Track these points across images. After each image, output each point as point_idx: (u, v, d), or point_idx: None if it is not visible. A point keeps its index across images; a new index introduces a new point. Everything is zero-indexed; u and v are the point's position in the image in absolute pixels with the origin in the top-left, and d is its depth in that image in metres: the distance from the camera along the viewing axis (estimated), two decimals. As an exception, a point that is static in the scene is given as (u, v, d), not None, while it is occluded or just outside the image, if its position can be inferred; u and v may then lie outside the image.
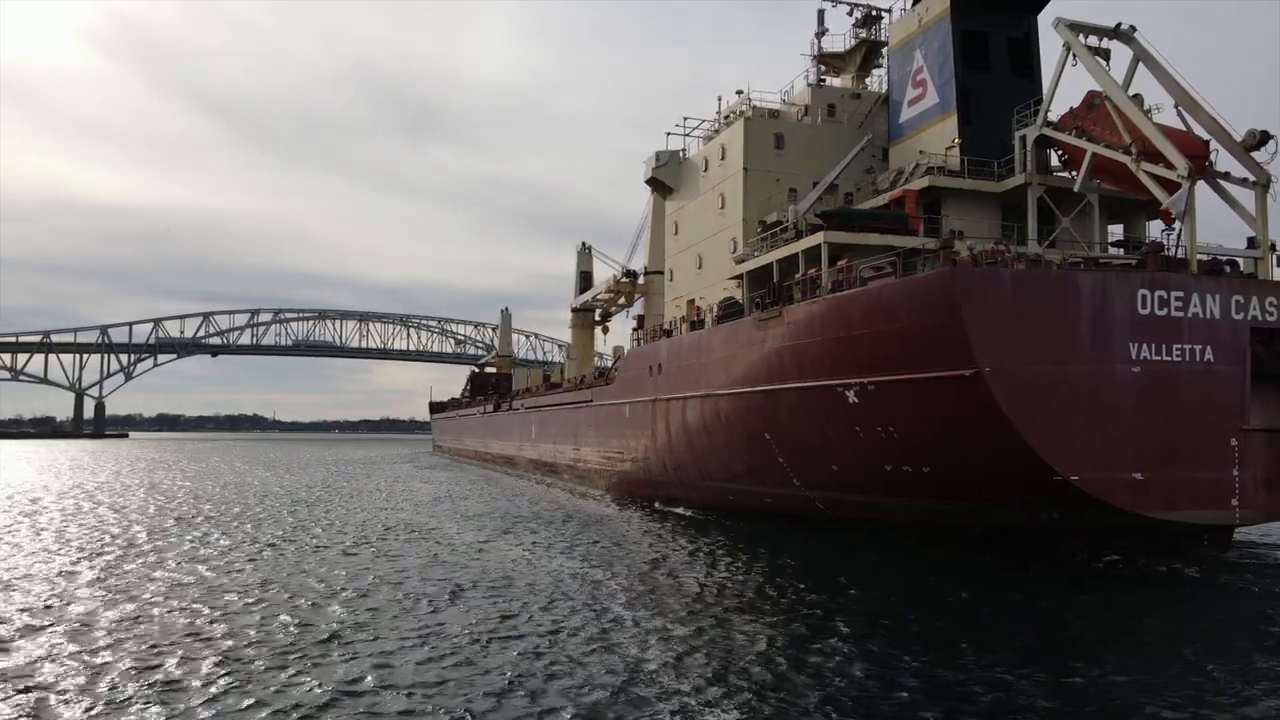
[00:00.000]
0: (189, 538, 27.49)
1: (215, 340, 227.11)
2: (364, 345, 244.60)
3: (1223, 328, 22.89)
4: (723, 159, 37.92)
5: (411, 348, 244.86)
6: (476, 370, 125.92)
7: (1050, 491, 21.94)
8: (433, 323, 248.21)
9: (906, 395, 23.61)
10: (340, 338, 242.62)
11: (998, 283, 21.70)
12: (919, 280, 22.65)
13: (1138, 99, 29.41)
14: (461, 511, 36.38)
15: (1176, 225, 23.77)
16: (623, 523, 32.88)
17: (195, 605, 17.25)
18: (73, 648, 13.85)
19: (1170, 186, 23.98)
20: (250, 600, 17.85)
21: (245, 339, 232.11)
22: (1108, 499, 21.82)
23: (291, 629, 15.33)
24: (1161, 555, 22.62)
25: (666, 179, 43.24)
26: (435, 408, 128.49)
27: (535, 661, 13.23)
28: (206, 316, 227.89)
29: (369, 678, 12.42)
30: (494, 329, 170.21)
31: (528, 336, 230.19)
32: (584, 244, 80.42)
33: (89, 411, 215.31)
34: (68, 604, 17.33)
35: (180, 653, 13.55)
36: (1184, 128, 26.33)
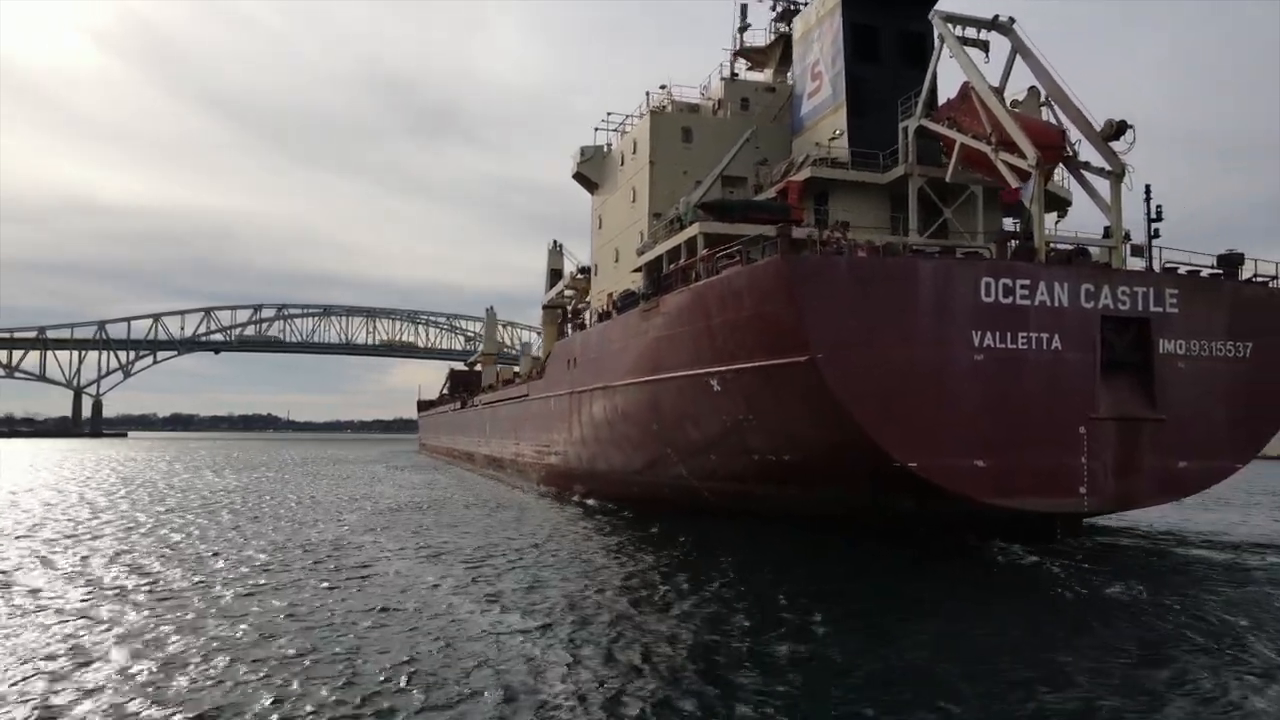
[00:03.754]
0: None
1: (217, 337, 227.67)
2: (371, 342, 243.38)
3: (1071, 316, 22.91)
4: (634, 153, 38.23)
5: (420, 345, 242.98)
6: (464, 367, 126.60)
7: (893, 480, 22.06)
8: (441, 319, 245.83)
9: (758, 383, 23.81)
10: (347, 335, 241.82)
11: (833, 269, 21.82)
12: (759, 267, 22.80)
13: (1034, 91, 29.64)
14: (374, 519, 36.32)
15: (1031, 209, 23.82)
16: (512, 510, 33.19)
17: None
18: None
19: (1025, 176, 24.08)
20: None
21: (249, 335, 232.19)
22: (950, 487, 21.90)
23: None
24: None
25: (591, 174, 43.54)
26: (422, 406, 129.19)
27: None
28: (208, 312, 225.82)
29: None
30: (504, 325, 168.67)
31: (540, 333, 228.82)
32: (555, 241, 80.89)
33: (93, 410, 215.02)
34: None
35: None
36: (1053, 119, 26.49)
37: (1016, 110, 27.39)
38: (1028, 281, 22.60)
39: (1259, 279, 25.16)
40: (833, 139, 30.71)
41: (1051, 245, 24.59)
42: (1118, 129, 24.54)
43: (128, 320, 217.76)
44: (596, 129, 43.47)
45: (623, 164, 40.10)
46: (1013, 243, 24.19)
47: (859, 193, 30.08)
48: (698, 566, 20.36)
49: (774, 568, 20.22)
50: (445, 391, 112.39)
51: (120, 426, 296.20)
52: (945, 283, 22.11)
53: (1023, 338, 22.47)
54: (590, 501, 36.55)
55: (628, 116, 41.53)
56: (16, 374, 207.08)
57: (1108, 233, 24.82)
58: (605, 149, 43.30)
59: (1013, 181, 24.16)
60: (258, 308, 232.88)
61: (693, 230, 28.80)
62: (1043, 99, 29.21)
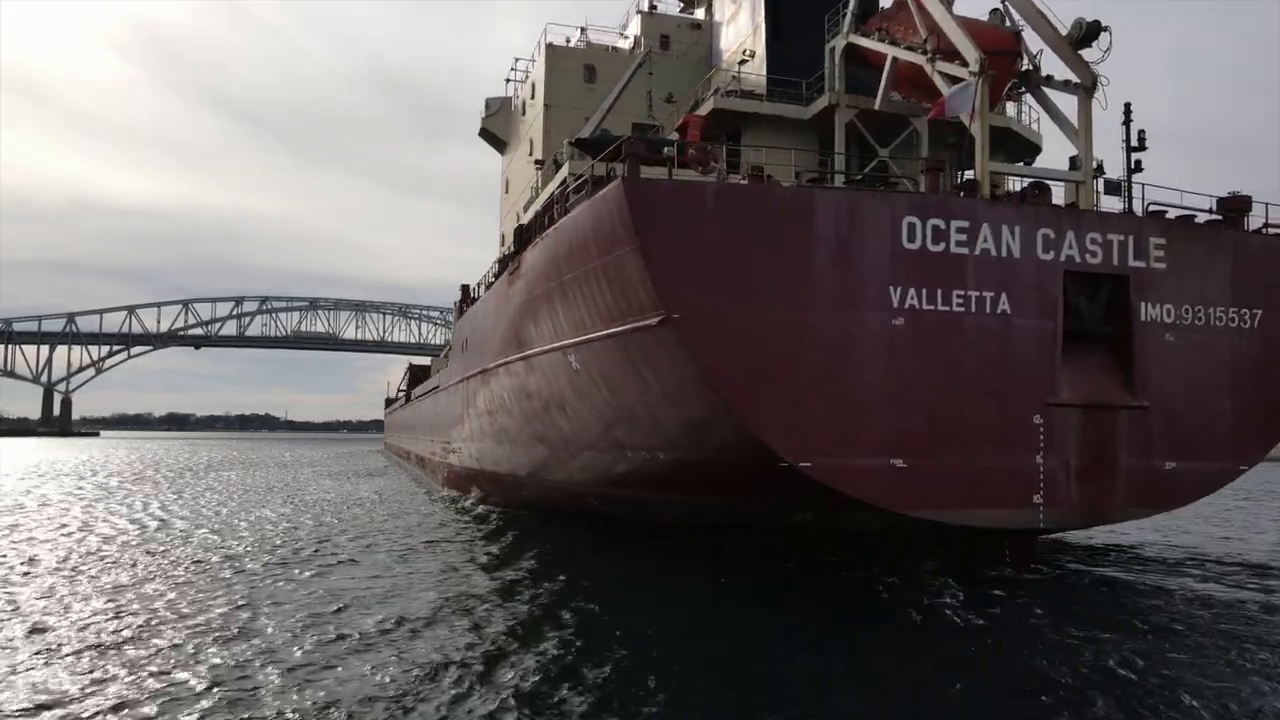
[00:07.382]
0: None
1: (197, 331, 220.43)
2: (361, 338, 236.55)
3: (1025, 270, 17.30)
4: (532, 98, 32.75)
5: (413, 339, 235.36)
6: (428, 362, 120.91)
7: (780, 483, 16.49)
8: (435, 313, 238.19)
9: (612, 356, 18.30)
10: (335, 330, 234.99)
11: (695, 199, 16.18)
12: (598, 199, 17.13)
13: (997, 14, 23.98)
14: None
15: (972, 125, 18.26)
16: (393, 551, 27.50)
17: None
18: None
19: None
20: None
21: (230, 330, 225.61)
22: (856, 494, 16.34)
23: None
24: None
25: (498, 130, 37.95)
26: (389, 404, 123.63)
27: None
28: (186, 305, 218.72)
29: None
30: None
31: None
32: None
33: (61, 408, 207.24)
34: None
35: None
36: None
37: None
38: (966, 223, 16.95)
39: (1271, 228, 19.52)
40: (742, 61, 25.10)
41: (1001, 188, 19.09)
42: (1088, 31, 18.91)
43: (99, 313, 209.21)
44: (507, 79, 37.88)
45: (523, 114, 34.61)
46: (960, 188, 18.71)
47: (777, 129, 24.42)
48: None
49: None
50: (403, 388, 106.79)
51: (115, 426, 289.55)
52: (852, 222, 16.49)
53: (958, 297, 16.86)
54: (481, 509, 30.89)
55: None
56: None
57: (1075, 164, 19.14)
58: (514, 101, 37.74)
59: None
60: (239, 300, 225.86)
61: (563, 172, 23.26)
62: (1003, 18, 23.65)
